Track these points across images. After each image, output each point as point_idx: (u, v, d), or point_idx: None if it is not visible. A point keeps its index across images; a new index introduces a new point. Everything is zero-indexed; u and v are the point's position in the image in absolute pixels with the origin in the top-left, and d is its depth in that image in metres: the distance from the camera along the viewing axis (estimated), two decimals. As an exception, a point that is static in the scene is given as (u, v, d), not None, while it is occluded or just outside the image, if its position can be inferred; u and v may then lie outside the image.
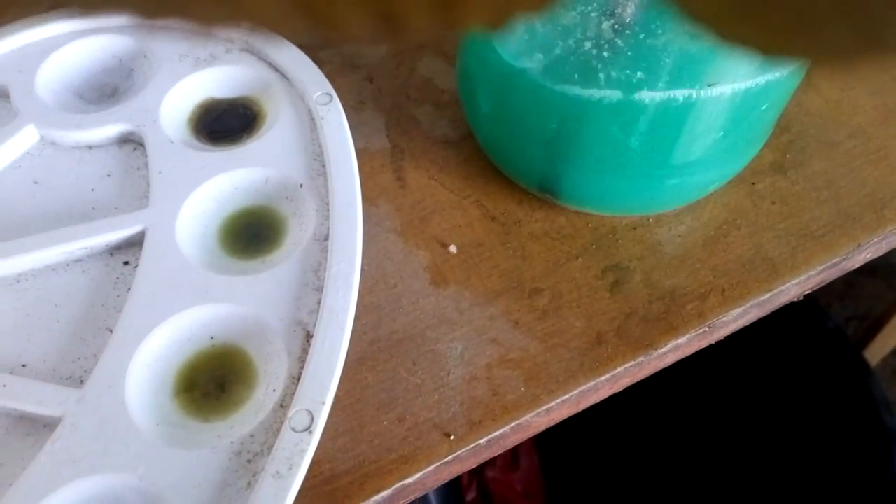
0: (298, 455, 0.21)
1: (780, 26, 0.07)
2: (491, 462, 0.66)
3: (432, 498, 0.56)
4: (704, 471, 0.64)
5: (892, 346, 0.77)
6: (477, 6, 0.07)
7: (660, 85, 0.22)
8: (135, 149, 0.30)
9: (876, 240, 0.29)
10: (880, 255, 0.30)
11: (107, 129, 0.29)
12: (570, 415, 0.26)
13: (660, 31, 0.20)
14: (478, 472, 0.66)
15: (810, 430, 0.61)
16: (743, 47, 0.07)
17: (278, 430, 0.22)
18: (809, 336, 0.64)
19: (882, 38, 0.06)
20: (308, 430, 0.21)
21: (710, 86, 0.22)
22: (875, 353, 0.78)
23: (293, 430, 0.21)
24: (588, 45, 0.22)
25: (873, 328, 0.78)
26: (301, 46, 0.32)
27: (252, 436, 0.22)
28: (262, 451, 0.22)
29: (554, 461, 0.68)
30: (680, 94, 0.22)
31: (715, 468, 0.64)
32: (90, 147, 0.30)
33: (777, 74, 0.23)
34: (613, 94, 0.23)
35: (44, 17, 0.32)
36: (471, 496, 0.66)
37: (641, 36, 0.21)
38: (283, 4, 0.07)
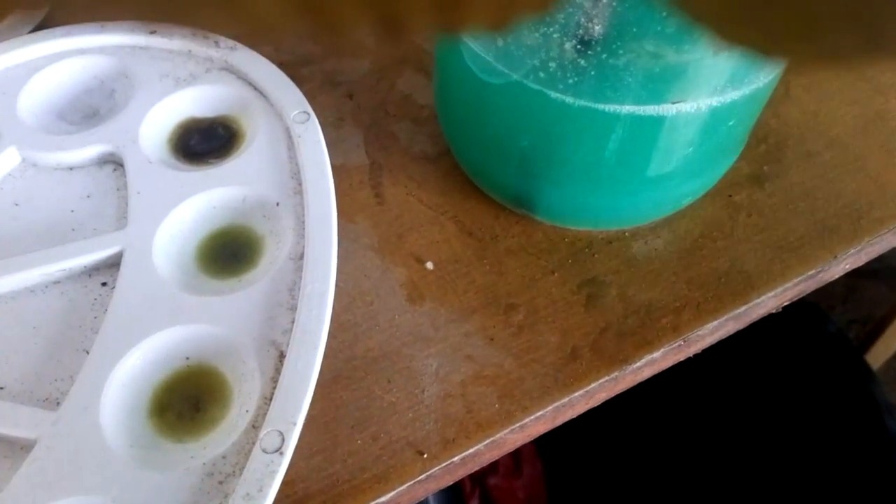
0: (269, 476, 0.21)
1: (781, 27, 0.07)
2: (494, 469, 0.66)
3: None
4: (707, 476, 0.64)
5: (894, 350, 0.77)
6: (478, 7, 0.07)
7: (625, 103, 0.22)
8: (115, 169, 0.30)
9: (853, 251, 0.29)
10: (858, 265, 0.31)
11: (87, 150, 0.30)
12: (545, 431, 0.26)
13: (621, 52, 0.21)
14: (480, 479, 0.66)
15: (812, 435, 0.61)
16: (743, 48, 0.07)
17: (249, 451, 0.22)
18: (811, 340, 0.63)
19: (882, 39, 0.07)
20: (279, 451, 0.22)
21: (674, 103, 0.22)
22: (877, 356, 0.77)
23: (264, 451, 0.22)
24: (552, 65, 0.22)
25: (875, 331, 0.77)
26: (282, 64, 0.32)
27: (224, 457, 0.22)
28: (233, 472, 0.22)
29: (557, 468, 0.68)
30: (645, 112, 0.23)
31: (718, 473, 0.64)
32: (71, 168, 0.30)
33: (743, 92, 0.23)
34: (581, 111, 0.23)
35: (25, 38, 0.32)
36: (473, 503, 0.66)
37: (604, 56, 0.21)
38: (283, 6, 0.07)
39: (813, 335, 0.63)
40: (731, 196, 0.31)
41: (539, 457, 0.68)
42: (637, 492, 0.66)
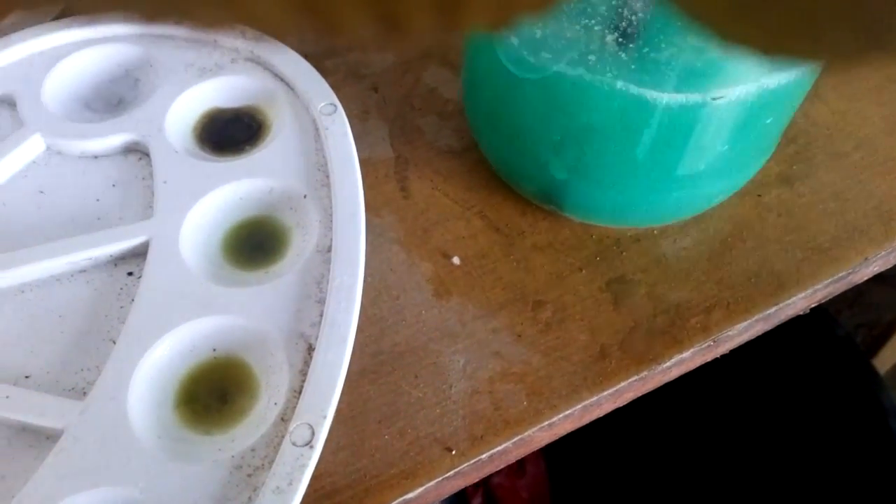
0: (299, 470, 0.21)
1: (782, 26, 0.07)
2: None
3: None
4: (712, 478, 0.64)
5: (901, 354, 0.77)
6: (479, 7, 0.07)
7: (664, 97, 0.22)
8: (140, 158, 0.30)
9: (884, 253, 0.29)
10: (888, 268, 0.30)
11: (112, 138, 0.29)
12: (572, 429, 0.26)
13: (663, 45, 0.20)
14: (483, 479, 0.66)
15: (819, 439, 0.61)
16: (744, 48, 0.07)
17: (279, 445, 0.22)
18: (818, 344, 0.63)
19: (883, 39, 0.07)
20: (309, 444, 0.21)
21: (714, 99, 0.22)
22: (884, 360, 0.77)
23: (294, 444, 0.21)
24: (592, 57, 0.22)
25: (883, 336, 0.77)
26: (306, 56, 0.32)
27: (253, 450, 0.22)
28: (262, 465, 0.22)
29: (561, 468, 0.68)
30: (684, 106, 0.22)
31: (722, 475, 0.63)
32: (96, 157, 0.30)
33: (782, 86, 0.23)
34: (617, 106, 0.23)
35: (50, 25, 0.32)
36: (476, 502, 0.66)
37: (645, 50, 0.21)
38: (284, 6, 0.07)
39: (820, 339, 0.63)
40: (760, 196, 0.30)
41: (542, 456, 0.68)
42: (641, 492, 0.66)
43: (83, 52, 0.32)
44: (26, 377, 0.24)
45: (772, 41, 0.07)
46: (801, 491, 0.60)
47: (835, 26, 0.06)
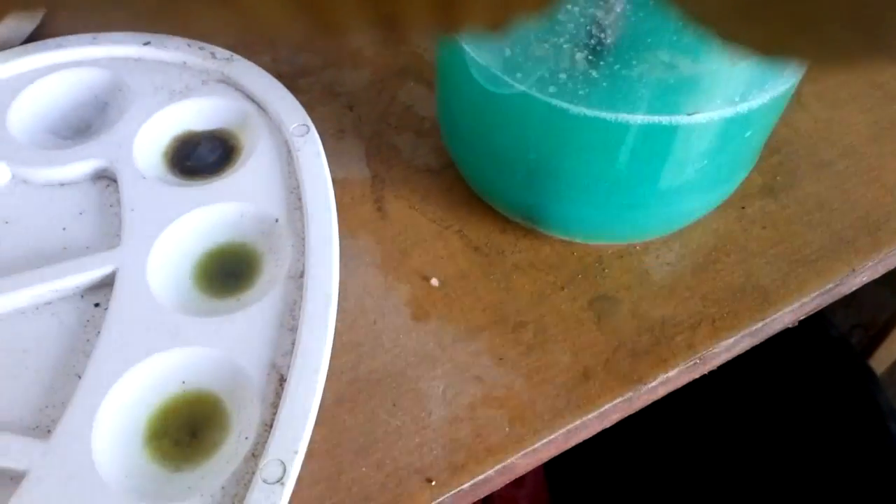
0: (270, 509, 0.20)
1: (781, 26, 0.07)
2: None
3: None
4: (709, 481, 0.63)
5: (897, 355, 0.76)
6: (476, 7, 0.07)
7: (638, 115, 0.21)
8: (108, 185, 0.29)
9: (871, 264, 0.28)
10: (876, 277, 0.30)
11: (79, 165, 0.29)
12: (557, 454, 0.25)
13: (634, 62, 0.20)
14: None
15: (815, 441, 0.60)
16: (743, 48, 0.07)
17: (250, 482, 0.21)
18: (813, 345, 0.63)
19: (882, 39, 0.06)
20: (280, 481, 0.21)
21: (689, 115, 0.21)
22: (881, 361, 0.76)
23: (265, 481, 0.21)
24: (563, 76, 0.21)
25: (878, 336, 0.77)
26: (279, 75, 0.31)
27: (223, 487, 0.21)
28: (233, 503, 0.21)
29: (560, 478, 0.67)
30: (659, 123, 0.22)
31: (719, 478, 0.63)
32: (62, 184, 0.29)
33: (759, 102, 0.22)
34: (592, 123, 0.22)
35: (15, 51, 0.31)
36: (475, 514, 0.65)
37: (616, 67, 0.20)
38: (281, 7, 0.07)
39: (815, 340, 0.63)
40: (743, 208, 0.30)
41: (542, 466, 0.67)
42: (639, 499, 0.65)
43: (50, 78, 0.31)
44: (-12, 416, 0.23)
45: (771, 41, 0.07)
46: (798, 494, 0.60)
47: (834, 26, 0.06)
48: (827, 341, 0.63)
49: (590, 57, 0.20)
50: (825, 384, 0.62)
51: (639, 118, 0.21)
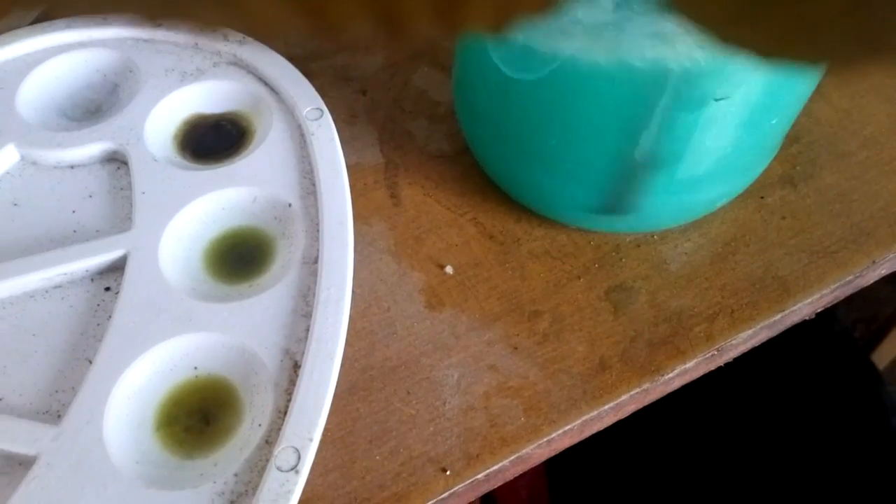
0: (284, 497, 0.20)
1: (781, 30, 0.07)
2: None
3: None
4: (711, 476, 0.63)
5: (900, 350, 0.76)
6: (478, 8, 0.07)
7: (665, 99, 0.21)
8: (118, 168, 0.28)
9: (892, 255, 0.28)
10: (895, 270, 0.29)
11: (89, 147, 0.28)
12: (571, 444, 0.25)
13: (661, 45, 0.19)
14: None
15: (818, 436, 0.60)
16: (743, 51, 0.07)
17: (263, 469, 0.21)
18: (816, 339, 0.62)
19: (882, 42, 0.06)
20: (294, 469, 0.20)
21: (717, 100, 0.21)
22: (883, 356, 0.76)
23: (279, 469, 0.20)
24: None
25: (881, 331, 0.76)
26: (291, 59, 0.31)
27: (236, 475, 0.21)
28: (246, 491, 0.21)
29: (559, 467, 0.67)
30: (686, 108, 0.21)
31: (721, 473, 0.63)
32: (72, 167, 0.28)
33: (786, 87, 0.21)
34: (616, 109, 0.22)
35: (25, 31, 0.31)
36: (474, 502, 0.65)
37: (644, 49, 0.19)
38: (284, 6, 0.07)
39: (818, 335, 0.62)
40: (763, 198, 0.29)
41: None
42: (640, 491, 0.65)
43: (59, 58, 0.31)
44: (-2, 400, 0.23)
45: (771, 45, 0.07)
46: (801, 489, 0.59)
47: (833, 30, 0.06)
48: (830, 336, 0.63)
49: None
50: (828, 378, 0.61)
51: (664, 103, 0.21)
